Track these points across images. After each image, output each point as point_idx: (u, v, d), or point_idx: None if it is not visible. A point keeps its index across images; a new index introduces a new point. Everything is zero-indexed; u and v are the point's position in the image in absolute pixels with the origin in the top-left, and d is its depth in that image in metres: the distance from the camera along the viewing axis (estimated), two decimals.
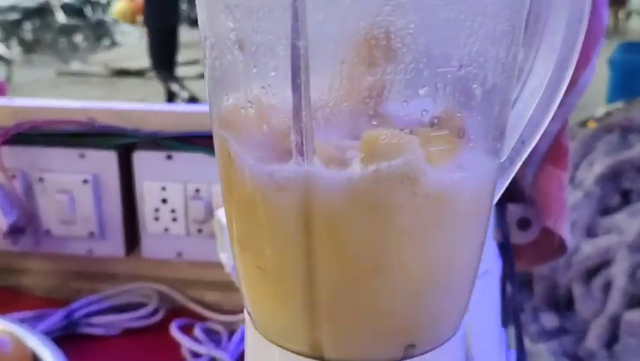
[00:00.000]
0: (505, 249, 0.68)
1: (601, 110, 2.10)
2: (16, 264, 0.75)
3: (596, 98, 3.46)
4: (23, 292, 0.75)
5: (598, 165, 1.64)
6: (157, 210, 0.69)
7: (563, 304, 1.61)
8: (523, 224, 0.70)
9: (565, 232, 0.68)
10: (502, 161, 0.28)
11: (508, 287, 0.68)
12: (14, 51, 6.14)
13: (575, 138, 1.73)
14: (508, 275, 0.69)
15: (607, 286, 1.49)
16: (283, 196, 0.22)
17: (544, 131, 0.61)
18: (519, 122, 0.28)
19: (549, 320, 1.58)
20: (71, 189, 0.69)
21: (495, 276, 0.51)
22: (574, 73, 0.60)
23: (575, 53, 0.28)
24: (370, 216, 0.22)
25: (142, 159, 0.69)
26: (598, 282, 1.51)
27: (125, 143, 0.69)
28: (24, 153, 0.70)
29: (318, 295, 0.23)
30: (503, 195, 0.69)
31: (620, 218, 1.56)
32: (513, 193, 0.69)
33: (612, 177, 1.64)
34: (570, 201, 1.70)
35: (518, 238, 0.71)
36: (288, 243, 0.24)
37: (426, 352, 0.25)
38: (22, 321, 0.64)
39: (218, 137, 0.25)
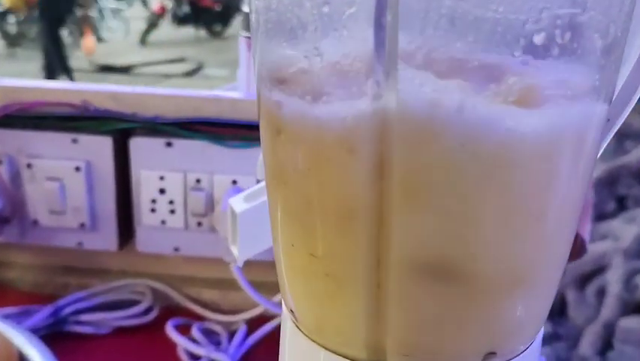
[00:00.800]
0: None
1: None
2: (3, 257, 0.74)
3: None
4: (7, 287, 0.74)
5: (594, 170, 1.64)
6: (154, 201, 0.68)
7: (555, 310, 1.60)
8: None
9: (585, 231, 0.67)
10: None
11: None
12: None
13: None
14: None
15: (601, 293, 1.50)
16: (354, 154, 0.19)
17: None
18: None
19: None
20: (62, 177, 0.68)
21: None
22: None
23: None
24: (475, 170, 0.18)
25: (139, 146, 0.68)
26: (592, 288, 1.52)
27: (121, 128, 0.68)
28: (11, 136, 0.69)
29: (387, 291, 0.20)
30: None
31: (615, 224, 1.57)
32: None
33: (608, 182, 1.65)
34: None
35: None
36: (353, 219, 0.20)
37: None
38: (6, 318, 0.62)
39: (266, 107, 0.21)
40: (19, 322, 0.63)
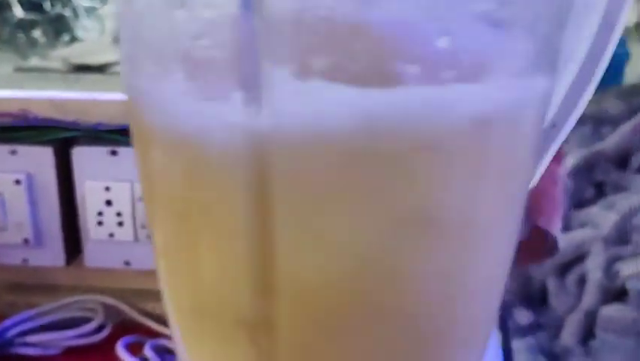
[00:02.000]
0: None
1: None
2: None
3: None
4: None
5: (571, 157, 1.64)
6: (100, 213, 0.65)
7: (536, 299, 1.60)
8: None
9: (557, 230, 0.66)
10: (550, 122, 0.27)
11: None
12: None
13: None
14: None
15: (582, 281, 1.49)
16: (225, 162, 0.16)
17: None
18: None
19: (523, 316, 1.58)
20: (2, 191, 0.66)
21: None
22: None
23: (615, 32, 0.26)
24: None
25: (82, 156, 0.65)
26: (572, 276, 1.52)
27: (62, 137, 0.66)
28: None
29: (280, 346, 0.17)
30: None
31: (594, 211, 1.57)
32: None
33: (586, 169, 1.64)
34: None
35: None
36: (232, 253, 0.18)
37: None
38: None
39: (134, 122, 0.19)
40: None
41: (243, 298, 0.18)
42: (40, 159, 0.65)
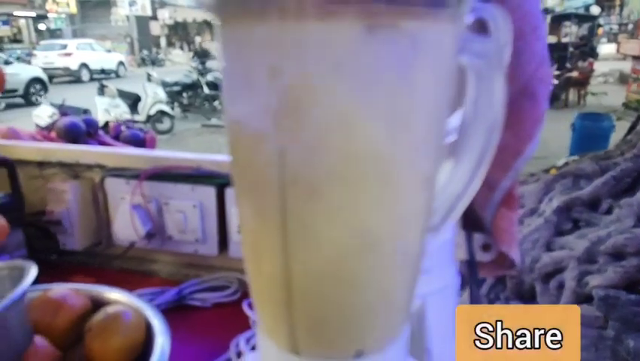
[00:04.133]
0: (472, 264, 0.65)
1: (561, 161, 2.00)
2: (148, 256, 0.76)
3: (560, 151, 3.33)
4: (153, 275, 0.75)
5: (555, 200, 1.57)
6: (239, 226, 0.68)
7: (527, 296, 1.52)
8: (486, 247, 0.67)
9: (515, 254, 0.64)
10: (434, 223, 0.26)
11: (475, 290, 0.65)
12: (176, 111, 6.39)
13: (540, 180, 1.67)
14: (473, 282, 0.66)
15: (560, 287, 1.41)
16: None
17: (500, 186, 0.57)
18: (446, 200, 0.26)
19: None
20: (185, 211, 0.70)
21: (453, 291, 0.45)
22: (522, 145, 0.56)
23: (489, 152, 0.26)
24: None
25: (231, 194, 0.69)
26: (554, 283, 1.44)
27: (220, 182, 0.69)
28: (156, 186, 0.71)
29: (294, 294, 0.21)
30: (472, 226, 0.64)
31: (571, 239, 1.49)
32: (479, 226, 0.65)
33: (566, 209, 1.56)
34: (535, 225, 1.62)
35: (482, 257, 0.68)
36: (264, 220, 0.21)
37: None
38: (151, 295, 0.64)
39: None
40: (157, 298, 0.64)
41: (275, 261, 0.21)
42: (207, 194, 0.69)
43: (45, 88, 8.46)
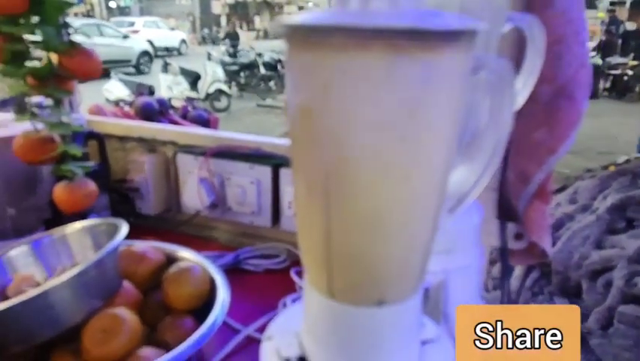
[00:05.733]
0: (504, 251, 0.69)
1: (622, 158, 1.92)
2: (211, 224, 0.83)
3: (629, 148, 3.11)
4: (213, 241, 0.83)
5: (610, 198, 1.52)
6: (290, 203, 0.75)
7: (572, 293, 1.50)
8: (518, 236, 0.70)
9: (546, 245, 0.68)
10: (449, 206, 0.32)
11: (506, 275, 0.69)
12: (233, 90, 6.54)
13: (596, 177, 1.62)
14: (505, 267, 0.70)
15: (608, 285, 1.38)
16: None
17: (533, 180, 0.61)
18: (459, 190, 0.32)
19: (561, 302, 1.49)
20: (244, 186, 0.77)
21: (474, 270, 0.48)
22: (557, 143, 0.61)
23: (498, 154, 0.31)
24: None
25: (285, 174, 0.75)
26: (601, 281, 1.41)
27: (276, 163, 0.76)
28: (220, 163, 0.78)
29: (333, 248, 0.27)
30: (505, 216, 0.69)
31: (623, 238, 1.45)
32: (512, 216, 0.69)
33: (620, 208, 1.51)
34: (586, 221, 1.59)
35: (514, 245, 0.71)
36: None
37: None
38: (210, 257, 0.68)
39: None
40: (217, 260, 0.71)
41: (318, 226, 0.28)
42: (264, 172, 0.75)
43: (151, 60, 9.52)
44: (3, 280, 0.52)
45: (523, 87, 0.48)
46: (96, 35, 8.53)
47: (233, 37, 7.86)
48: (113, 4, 18.01)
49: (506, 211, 0.67)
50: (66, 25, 0.57)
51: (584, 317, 1.39)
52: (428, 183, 0.27)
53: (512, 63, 0.53)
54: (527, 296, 1.68)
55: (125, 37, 9.26)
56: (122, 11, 17.88)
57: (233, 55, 6.71)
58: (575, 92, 0.58)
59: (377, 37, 0.23)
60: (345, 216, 0.27)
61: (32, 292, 0.43)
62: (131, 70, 8.79)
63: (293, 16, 0.26)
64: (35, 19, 0.56)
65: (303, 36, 0.25)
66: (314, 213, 0.29)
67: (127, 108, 1.06)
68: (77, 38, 0.59)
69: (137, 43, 9.42)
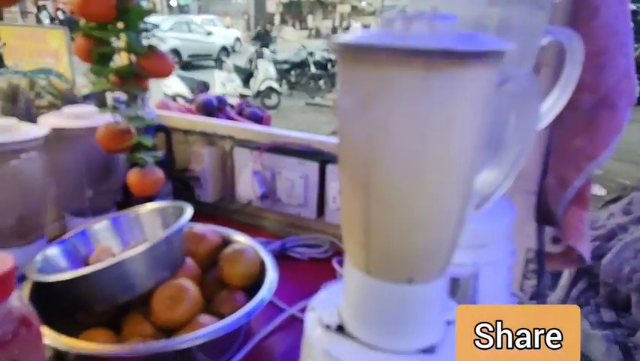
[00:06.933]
0: (540, 253, 0.71)
1: None
2: (261, 214, 0.89)
3: None
4: (262, 229, 0.88)
5: None
6: (334, 197, 0.80)
7: (620, 306, 1.45)
8: (555, 240, 0.72)
9: (584, 250, 0.69)
10: (475, 203, 0.35)
11: (543, 277, 0.70)
12: (283, 88, 6.66)
13: None
14: (541, 269, 0.72)
15: None
16: None
17: (572, 185, 0.64)
18: (484, 189, 0.35)
19: (608, 315, 1.45)
20: (293, 180, 0.82)
21: (504, 266, 0.50)
22: (596, 151, 0.64)
23: (521, 160, 0.34)
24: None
25: (332, 170, 0.79)
26: None
27: (323, 159, 0.80)
28: (273, 158, 0.83)
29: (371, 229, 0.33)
30: (544, 220, 0.72)
31: None
32: (550, 220, 0.71)
33: None
34: (639, 233, 1.52)
35: (552, 248, 0.73)
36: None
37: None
38: (261, 243, 0.73)
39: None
40: (266, 246, 0.71)
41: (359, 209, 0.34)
42: (312, 168, 0.80)
43: (228, 54, 10.28)
44: (88, 248, 0.61)
45: (560, 96, 0.50)
46: (186, 32, 9.50)
47: (263, 38, 7.71)
48: (173, 3, 18.77)
49: (544, 215, 0.70)
50: (146, 30, 0.65)
51: (632, 332, 1.35)
52: (455, 181, 0.32)
53: (551, 72, 0.56)
54: (550, 294, 1.63)
55: (209, 34, 10.07)
56: (182, 9, 18.61)
57: (262, 56, 6.54)
58: (617, 101, 0.60)
59: (414, 56, 0.28)
60: (381, 206, 0.32)
61: (112, 260, 0.51)
62: (212, 63, 9.51)
63: (344, 35, 0.31)
64: (120, 25, 0.64)
65: (353, 52, 0.30)
66: (355, 201, 0.34)
67: (182, 102, 1.15)
68: (154, 41, 0.67)
69: (218, 40, 10.35)
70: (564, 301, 1.66)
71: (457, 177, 0.31)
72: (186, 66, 8.72)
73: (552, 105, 0.50)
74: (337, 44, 0.30)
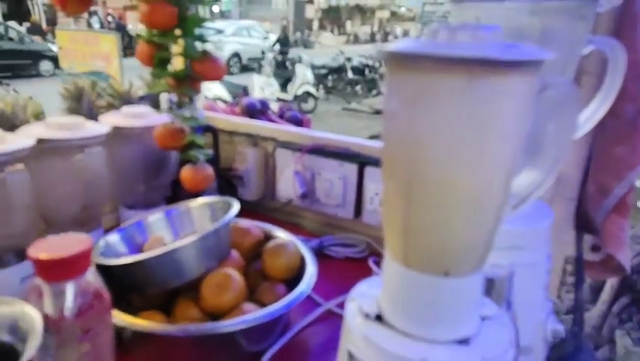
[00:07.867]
0: (579, 261, 0.71)
1: None
2: (300, 213, 0.92)
3: None
4: (302, 227, 0.91)
5: None
6: (372, 198, 0.82)
7: None
8: (595, 248, 0.72)
9: (623, 258, 0.68)
10: (512, 204, 0.37)
11: (580, 284, 0.70)
12: (320, 93, 6.71)
13: None
14: (579, 277, 0.72)
15: None
16: None
17: (612, 193, 0.65)
18: (522, 191, 0.37)
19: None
20: (332, 181, 0.85)
21: (542, 269, 0.51)
22: (637, 160, 0.64)
23: (557, 168, 0.35)
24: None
25: (370, 172, 0.81)
26: None
27: (362, 161, 0.82)
28: (313, 159, 0.86)
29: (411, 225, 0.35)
30: (583, 227, 0.72)
31: None
32: (590, 228, 0.71)
33: None
34: None
35: (591, 257, 0.72)
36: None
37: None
38: (300, 240, 0.75)
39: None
40: (306, 243, 0.72)
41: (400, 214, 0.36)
42: (350, 169, 0.82)
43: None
44: (142, 237, 0.66)
45: (601, 104, 0.51)
46: (246, 37, 10.03)
47: (283, 44, 7.45)
48: (216, 9, 19.29)
49: (584, 222, 0.70)
50: (201, 37, 0.70)
51: None
52: (493, 182, 0.34)
53: (593, 81, 0.56)
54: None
55: (265, 38, 10.46)
56: (223, 15, 19.10)
57: (282, 64, 6.43)
58: None
59: (456, 64, 0.30)
60: (422, 203, 0.34)
61: (166, 248, 0.55)
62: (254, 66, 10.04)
63: (392, 44, 0.34)
64: (178, 32, 0.69)
65: (399, 60, 0.33)
66: (397, 198, 0.36)
67: (222, 105, 1.21)
68: (208, 46, 0.72)
69: (259, 44, 10.68)
70: (605, 315, 1.61)
71: (496, 176, 0.33)
72: (245, 68, 9.05)
73: (593, 113, 0.51)
74: (386, 52, 0.33)
